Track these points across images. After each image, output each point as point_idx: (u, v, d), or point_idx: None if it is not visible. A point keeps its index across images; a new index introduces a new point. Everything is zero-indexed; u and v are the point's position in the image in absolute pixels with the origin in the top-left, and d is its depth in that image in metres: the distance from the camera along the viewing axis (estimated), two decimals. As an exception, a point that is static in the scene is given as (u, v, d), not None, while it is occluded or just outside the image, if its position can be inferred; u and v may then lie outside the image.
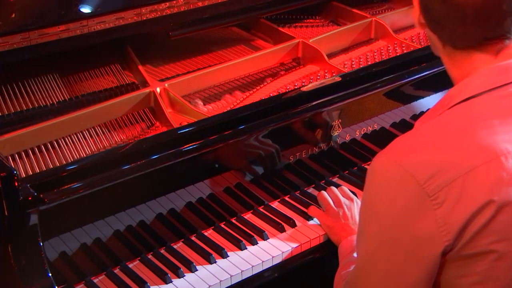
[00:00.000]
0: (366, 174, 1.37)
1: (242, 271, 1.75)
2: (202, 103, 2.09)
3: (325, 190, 1.99)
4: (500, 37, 1.33)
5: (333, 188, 1.99)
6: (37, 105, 2.01)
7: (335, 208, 1.90)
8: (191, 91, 2.13)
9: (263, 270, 1.79)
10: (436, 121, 1.36)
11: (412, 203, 1.28)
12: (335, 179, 2.12)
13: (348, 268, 1.67)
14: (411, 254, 1.31)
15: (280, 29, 2.45)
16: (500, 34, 1.32)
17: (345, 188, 2.00)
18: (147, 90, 2.03)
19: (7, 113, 1.96)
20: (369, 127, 2.17)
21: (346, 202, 1.91)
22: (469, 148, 1.29)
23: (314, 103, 1.99)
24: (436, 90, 2.30)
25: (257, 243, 1.84)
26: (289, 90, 2.12)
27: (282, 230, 1.89)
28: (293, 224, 1.91)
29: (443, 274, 1.34)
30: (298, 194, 2.04)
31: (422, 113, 2.29)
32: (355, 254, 1.72)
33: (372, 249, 1.36)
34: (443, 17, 1.33)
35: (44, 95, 2.05)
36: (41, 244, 1.59)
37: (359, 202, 1.91)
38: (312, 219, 1.93)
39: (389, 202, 1.31)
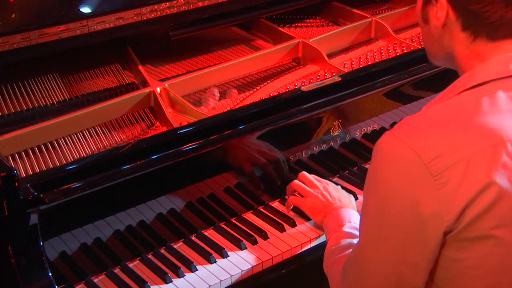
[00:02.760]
0: (372, 152, 1.37)
1: (242, 270, 1.75)
2: (217, 96, 2.09)
3: (300, 176, 1.98)
4: None
5: (304, 173, 1.99)
6: (37, 105, 2.01)
7: (312, 191, 1.91)
8: (191, 91, 2.13)
9: (263, 270, 1.79)
10: (445, 104, 1.37)
11: (416, 181, 1.29)
12: (335, 179, 2.12)
13: (338, 242, 1.69)
14: (413, 232, 1.32)
15: (280, 29, 2.45)
16: None
17: (314, 175, 1.99)
18: (147, 90, 2.03)
19: (7, 113, 1.96)
20: (369, 127, 2.17)
21: (320, 184, 1.93)
22: (476, 131, 1.30)
23: (314, 103, 1.99)
24: (436, 90, 2.30)
25: (257, 243, 1.85)
26: (289, 90, 2.12)
27: (282, 229, 1.89)
28: (293, 224, 1.91)
29: (440, 256, 1.35)
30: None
31: (422, 113, 2.30)
32: (345, 228, 1.74)
33: (374, 226, 1.37)
34: (492, 2, 1.33)
35: (44, 95, 2.05)
36: (41, 244, 1.59)
37: (332, 183, 1.94)
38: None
39: (393, 178, 1.32)
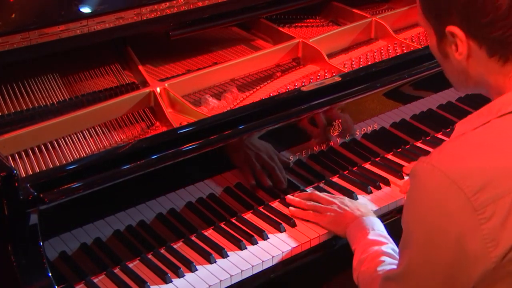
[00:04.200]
0: (410, 178, 1.33)
1: (242, 270, 1.75)
2: (212, 100, 2.09)
3: (312, 197, 1.97)
4: None
5: (316, 192, 1.99)
6: (37, 105, 2.01)
7: (329, 206, 1.90)
8: (191, 91, 2.13)
9: (263, 270, 1.79)
10: (486, 129, 1.30)
11: (459, 216, 1.24)
12: (335, 179, 2.11)
13: (367, 251, 1.67)
14: (457, 266, 1.27)
15: (280, 29, 2.45)
16: None
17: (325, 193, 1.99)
18: (147, 90, 2.03)
19: (7, 113, 1.96)
20: (369, 127, 2.17)
21: (335, 199, 1.92)
22: None
23: (314, 103, 1.99)
24: (436, 90, 2.30)
25: (257, 243, 1.84)
26: (289, 90, 2.12)
27: (282, 230, 1.89)
28: (293, 224, 1.91)
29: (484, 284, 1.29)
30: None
31: (422, 113, 2.30)
32: (370, 236, 1.72)
33: (416, 255, 1.33)
34: None
35: (44, 95, 2.05)
36: (41, 244, 1.59)
37: (346, 197, 1.94)
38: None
39: (434, 210, 1.27)
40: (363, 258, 1.67)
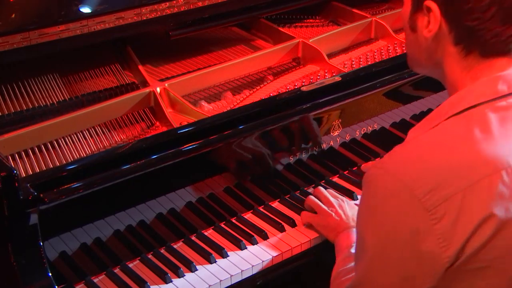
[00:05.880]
0: (363, 185, 1.33)
1: (242, 270, 1.75)
2: (206, 103, 2.09)
3: (316, 192, 1.97)
4: None
5: (321, 189, 1.97)
6: (37, 105, 2.00)
7: (327, 208, 1.88)
8: (191, 91, 2.13)
9: (263, 270, 1.79)
10: (434, 132, 1.32)
11: (412, 217, 1.25)
12: (335, 179, 2.11)
13: (345, 264, 1.66)
14: (413, 268, 1.28)
15: (280, 29, 2.45)
16: None
17: (331, 190, 1.98)
18: (147, 90, 2.03)
19: (7, 113, 1.96)
20: (369, 127, 2.17)
21: (336, 201, 1.90)
22: (469, 161, 1.25)
23: (314, 103, 1.99)
24: (436, 90, 2.30)
25: (257, 243, 1.85)
26: (289, 90, 2.12)
27: (282, 229, 1.89)
28: (293, 224, 1.91)
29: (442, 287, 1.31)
30: (298, 194, 2.04)
31: (422, 113, 2.30)
32: (352, 250, 1.70)
33: (372, 263, 1.32)
34: (490, 20, 1.28)
35: (44, 95, 2.05)
36: (41, 244, 1.59)
37: (348, 201, 1.92)
38: (312, 219, 1.93)
39: (387, 215, 1.28)
40: (340, 271, 1.65)
